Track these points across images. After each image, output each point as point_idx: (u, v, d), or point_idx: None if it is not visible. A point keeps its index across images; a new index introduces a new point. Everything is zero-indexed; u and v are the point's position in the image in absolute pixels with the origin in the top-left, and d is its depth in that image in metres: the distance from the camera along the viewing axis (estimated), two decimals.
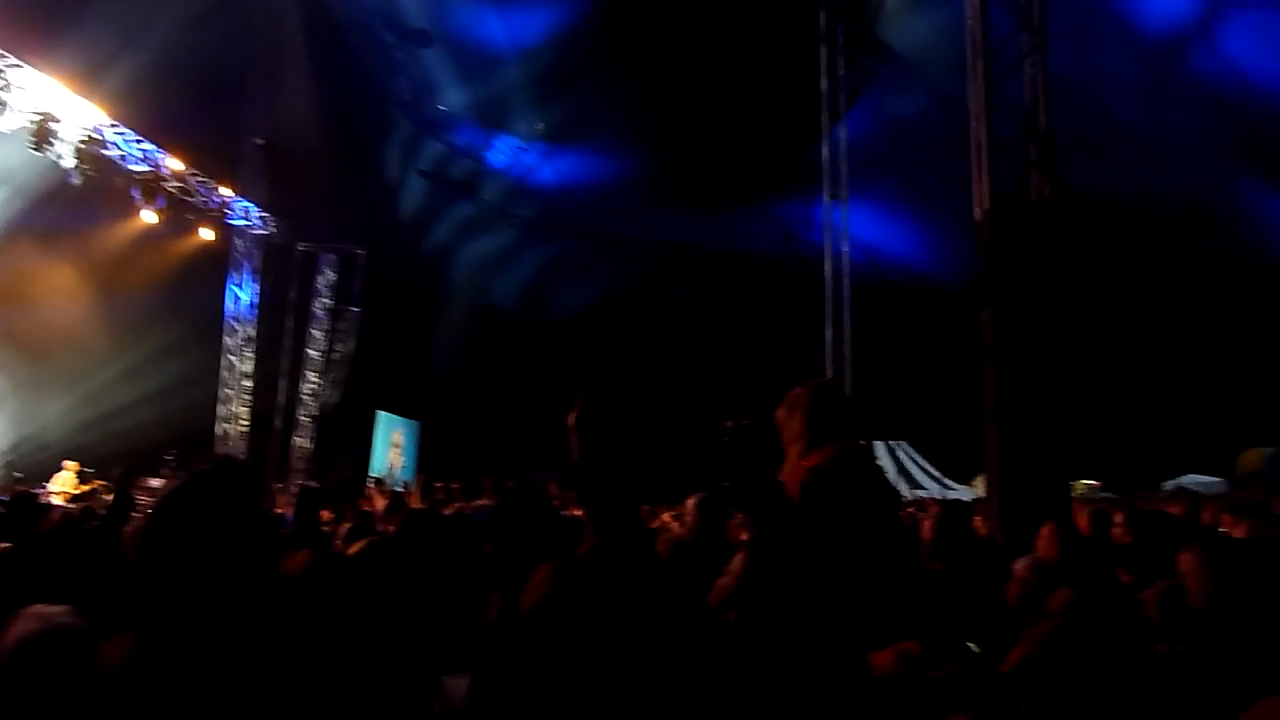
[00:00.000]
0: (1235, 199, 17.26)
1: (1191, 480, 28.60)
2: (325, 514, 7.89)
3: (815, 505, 2.61)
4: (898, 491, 3.26)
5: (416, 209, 24.00)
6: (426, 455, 25.27)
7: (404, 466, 24.49)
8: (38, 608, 2.27)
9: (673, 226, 24.09)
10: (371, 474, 21.27)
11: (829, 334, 18.24)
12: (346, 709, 2.00)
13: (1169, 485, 28.46)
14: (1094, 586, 2.54)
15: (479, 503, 8.34)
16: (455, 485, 12.91)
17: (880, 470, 3.10)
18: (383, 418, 24.01)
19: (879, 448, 32.85)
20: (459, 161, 23.71)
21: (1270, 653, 2.58)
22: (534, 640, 1.68)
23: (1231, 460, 27.83)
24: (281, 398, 21.03)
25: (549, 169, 22.82)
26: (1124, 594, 3.50)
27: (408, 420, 25.29)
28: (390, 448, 24.58)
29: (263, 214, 20.02)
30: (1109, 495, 25.73)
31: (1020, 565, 3.95)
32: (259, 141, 19.57)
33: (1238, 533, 4.84)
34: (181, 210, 17.56)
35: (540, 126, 22.04)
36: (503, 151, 23.08)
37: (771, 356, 21.25)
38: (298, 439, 21.56)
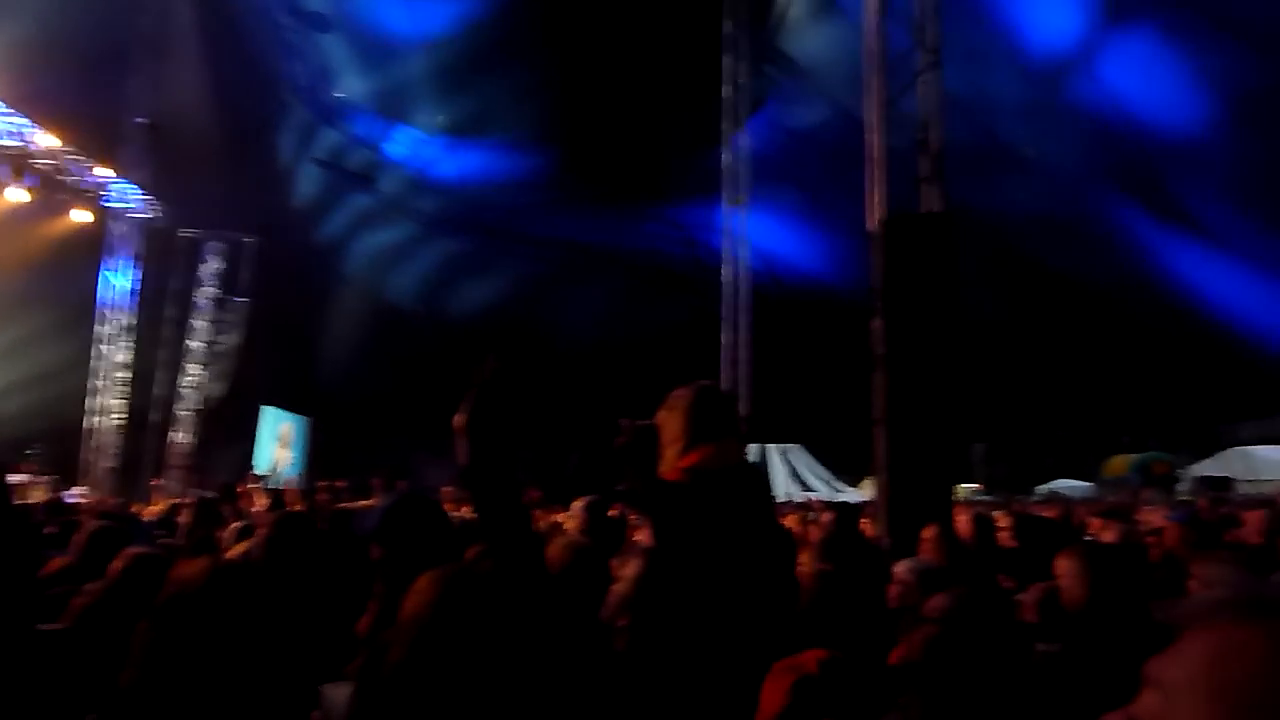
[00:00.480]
0: (1109, 220, 18.20)
1: (1063, 485, 30.12)
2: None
3: (689, 506, 2.60)
4: (772, 494, 3.28)
5: (310, 198, 23.27)
6: (316, 453, 24.55)
7: (292, 464, 23.71)
8: None
9: (576, 226, 24.03)
10: (255, 471, 20.52)
11: (726, 338, 18.48)
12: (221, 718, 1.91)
13: (1043, 489, 29.91)
14: (973, 588, 2.59)
15: (364, 503, 8.10)
16: (340, 484, 12.55)
17: (757, 471, 3.13)
18: (269, 413, 23.20)
19: (772, 451, 33.50)
20: (356, 151, 23.11)
21: (1139, 651, 2.70)
22: (413, 650, 1.61)
23: (1099, 466, 29.40)
24: (160, 390, 20.10)
25: (450, 163, 22.45)
26: (1003, 596, 3.60)
27: (296, 416, 24.50)
28: (276, 445, 23.76)
29: (144, 197, 19.07)
30: (989, 499, 26.85)
31: (901, 568, 4.03)
32: (142, 121, 18.65)
33: (1106, 536, 5.07)
34: (54, 190, 16.59)
35: (442, 120, 21.66)
36: (402, 143, 22.59)
37: (670, 359, 21.36)
38: (176, 434, 20.63)
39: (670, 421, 2.83)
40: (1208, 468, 26.20)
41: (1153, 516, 8.57)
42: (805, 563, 4.97)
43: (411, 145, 22.57)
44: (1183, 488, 23.14)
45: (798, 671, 2.85)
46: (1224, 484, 22.40)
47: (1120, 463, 28.25)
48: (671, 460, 2.76)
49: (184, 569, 2.07)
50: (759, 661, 2.86)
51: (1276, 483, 21.30)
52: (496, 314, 24.63)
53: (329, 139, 22.78)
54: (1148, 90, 15.54)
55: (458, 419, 2.18)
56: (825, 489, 31.80)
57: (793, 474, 33.73)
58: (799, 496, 28.23)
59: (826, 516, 7.17)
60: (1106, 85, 16.12)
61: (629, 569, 2.16)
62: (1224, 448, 27.89)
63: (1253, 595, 0.69)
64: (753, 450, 29.85)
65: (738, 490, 2.76)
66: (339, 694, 2.06)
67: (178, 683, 1.66)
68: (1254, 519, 6.54)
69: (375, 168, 23.40)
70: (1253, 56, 13.57)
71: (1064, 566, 3.25)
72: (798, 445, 34.21)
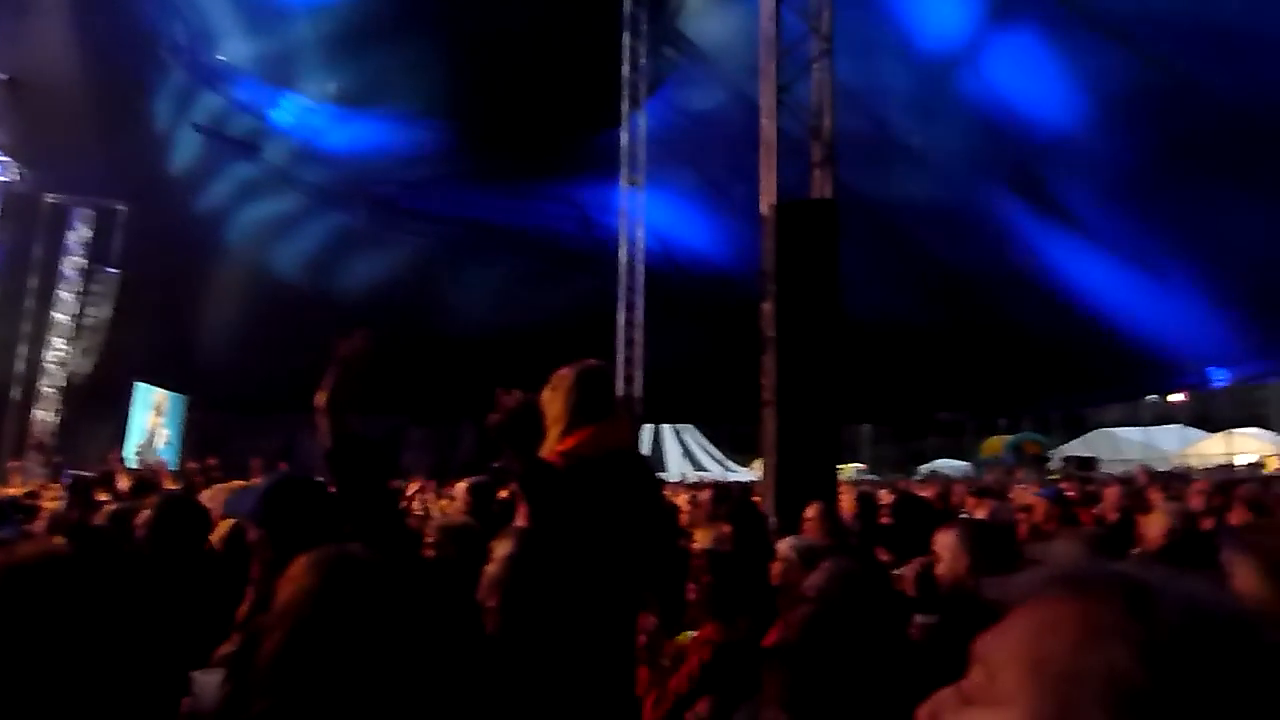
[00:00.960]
0: (991, 211, 18.91)
1: (943, 465, 31.40)
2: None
3: (565, 490, 2.59)
4: (654, 478, 3.31)
5: (188, 165, 22.14)
6: (193, 433, 23.55)
7: (167, 443, 22.69)
8: None
9: (470, 203, 23.60)
10: (126, 450, 19.56)
11: (621, 318, 18.51)
12: (86, 706, 1.79)
13: (924, 469, 31.11)
14: (848, 564, 2.64)
15: (239, 484, 7.78)
16: (212, 462, 12.10)
17: (638, 456, 3.14)
18: (141, 390, 22.10)
19: (666, 431, 33.84)
20: (239, 118, 22.09)
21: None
22: (290, 636, 1.53)
23: (977, 447, 30.75)
24: (21, 366, 18.93)
25: (340, 134, 21.69)
26: (879, 570, 3.70)
27: (171, 394, 23.42)
28: (150, 423, 22.67)
29: (5, 159, 17.87)
30: (874, 478, 27.78)
31: (783, 545, 4.10)
32: (2, 77, 17.45)
33: (979, 514, 5.28)
34: None
35: (332, 88, 20.90)
36: (289, 111, 21.71)
37: (566, 340, 21.26)
38: (39, 412, 19.48)
39: (553, 402, 2.83)
40: (1075, 448, 27.73)
41: (1024, 494, 8.99)
42: (699, 539, 5.03)
43: (299, 114, 21.71)
44: (1053, 467, 24.40)
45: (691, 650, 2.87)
46: (1090, 463, 23.74)
47: (996, 443, 29.62)
48: (552, 442, 2.76)
49: (27, 551, 1.93)
50: (626, 646, 2.88)
51: (1136, 462, 22.69)
52: (387, 291, 24.00)
53: (210, 104, 21.70)
54: (1029, 88, 16.14)
55: (319, 397, 2.08)
56: (718, 468, 32.36)
57: (686, 453, 34.17)
58: (692, 476, 28.64)
59: (704, 495, 7.25)
60: (991, 81, 16.67)
61: (500, 549, 2.11)
62: (1090, 429, 29.57)
63: (1071, 573, 0.70)
64: (647, 430, 30.10)
65: (617, 474, 2.75)
66: (209, 681, 1.98)
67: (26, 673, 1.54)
68: (1111, 495, 6.93)
69: (259, 136, 22.43)
70: (1124, 59, 14.23)
71: (941, 542, 3.35)
72: (691, 425, 34.67)
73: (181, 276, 21.71)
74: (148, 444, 21.32)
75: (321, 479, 2.62)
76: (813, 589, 2.39)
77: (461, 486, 4.28)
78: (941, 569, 3.34)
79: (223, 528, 3.21)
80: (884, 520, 5.43)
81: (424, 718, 1.51)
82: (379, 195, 23.44)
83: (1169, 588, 0.65)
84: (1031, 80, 16.01)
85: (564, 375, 2.90)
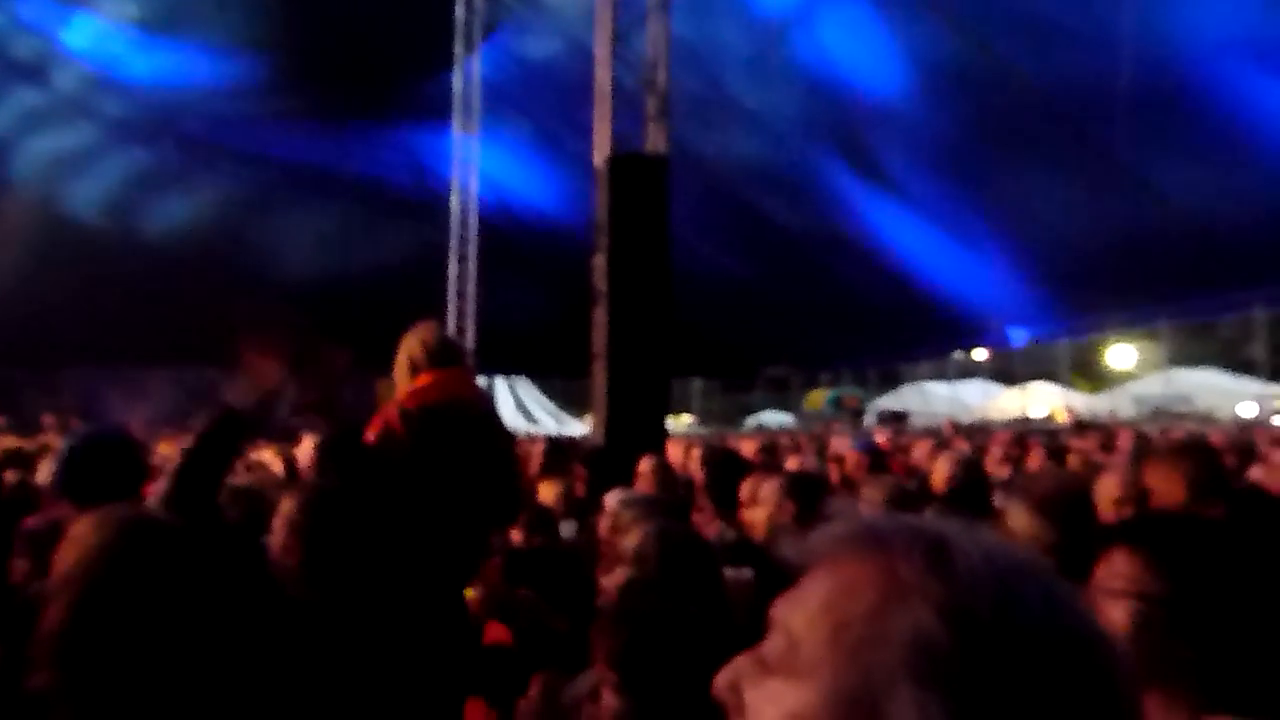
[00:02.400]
0: (818, 173, 19.56)
1: (769, 418, 32.66)
2: None
3: (408, 437, 2.67)
4: (499, 420, 3.32)
5: None
6: None
7: None
8: None
9: (290, 144, 22.27)
10: None
11: (453, 269, 18.07)
12: None
13: (751, 422, 32.25)
14: (670, 525, 2.65)
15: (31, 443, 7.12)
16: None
17: (482, 403, 3.13)
18: None
19: (499, 383, 33.53)
20: (23, 39, 19.89)
21: None
22: (75, 601, 1.36)
23: (800, 400, 32.12)
24: None
25: (142, 62, 19.90)
26: (691, 530, 3.74)
27: None
28: None
29: None
30: (703, 432, 28.53)
31: (610, 499, 4.10)
32: None
33: (791, 465, 5.46)
34: None
35: (134, 10, 19.10)
36: (83, 34, 19.70)
37: (396, 290, 20.59)
38: None
39: (399, 358, 2.97)
40: (889, 401, 29.41)
41: (840, 445, 9.42)
42: (543, 494, 4.96)
43: (94, 38, 19.75)
44: (869, 420, 25.79)
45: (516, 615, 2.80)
46: (902, 416, 25.23)
47: (818, 397, 30.97)
48: (398, 395, 2.90)
49: None
50: (456, 600, 2.82)
51: (944, 415, 24.33)
52: (198, 236, 22.42)
53: None
54: (858, 55, 16.67)
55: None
56: (551, 422, 32.39)
57: (519, 406, 34.00)
58: (524, 429, 28.56)
59: (537, 448, 7.20)
60: (824, 46, 17.12)
61: (285, 505, 1.98)
62: (904, 384, 31.43)
63: (867, 529, 0.67)
64: (479, 383, 29.85)
65: (458, 421, 2.82)
66: None
67: None
68: (923, 448, 7.38)
69: (48, 60, 20.29)
70: (947, 35, 14.91)
71: (764, 491, 3.42)
72: (524, 378, 34.50)
73: None
74: None
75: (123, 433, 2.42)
76: (629, 551, 2.37)
77: (308, 445, 3.99)
78: (760, 516, 3.41)
79: None
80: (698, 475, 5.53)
81: (219, 685, 1.38)
82: (187, 131, 21.74)
83: (966, 541, 0.63)
84: (861, 47, 16.56)
85: (404, 338, 3.00)
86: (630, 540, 2.42)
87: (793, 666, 0.64)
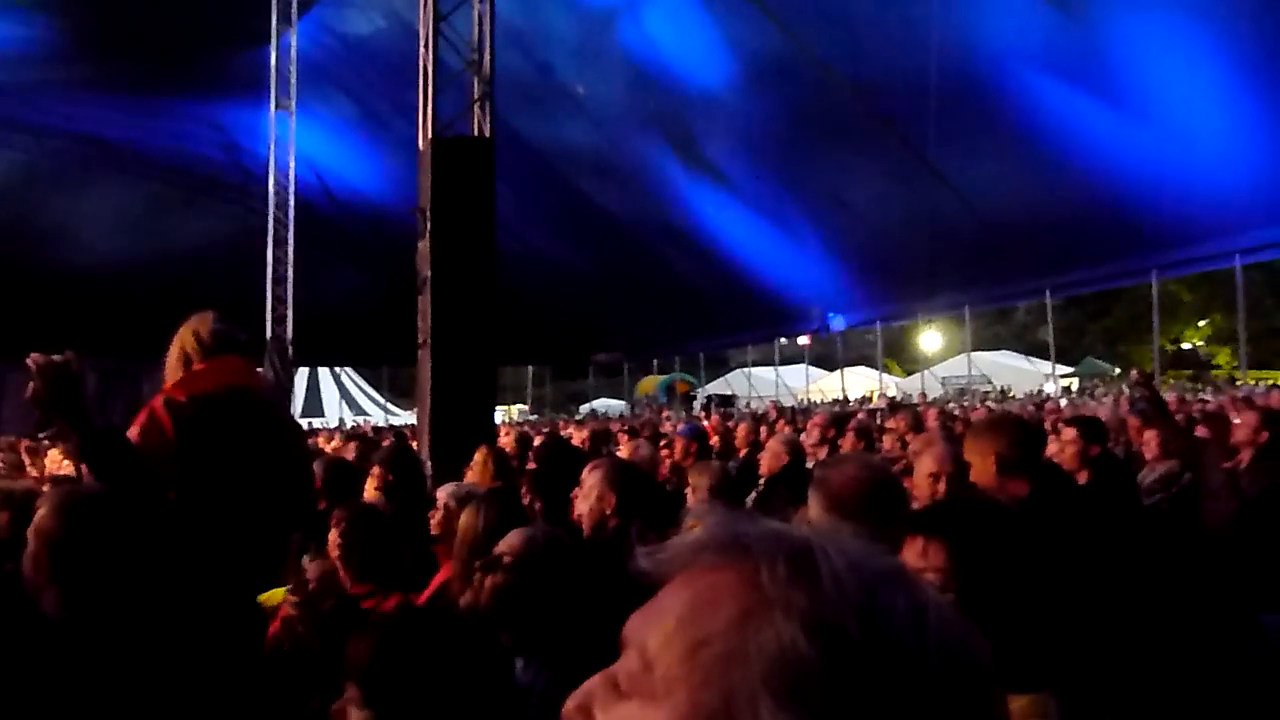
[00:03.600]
0: (646, 162, 19.77)
1: (602, 404, 32.92)
2: None
3: (173, 429, 2.53)
4: (278, 409, 3.17)
5: None
6: None
7: None
8: None
9: (85, 116, 20.49)
10: None
11: (270, 253, 17.19)
12: None
13: (585, 409, 32.41)
14: (546, 529, 2.60)
15: None
16: None
17: (262, 391, 2.98)
18: None
19: (323, 374, 32.23)
20: None
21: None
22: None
23: (633, 387, 32.55)
24: None
25: None
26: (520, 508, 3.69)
27: None
28: None
29: None
30: (535, 419, 28.45)
31: (442, 492, 4.00)
32: None
33: (623, 451, 5.51)
34: None
35: None
36: None
37: (206, 273, 19.38)
38: None
39: (170, 354, 2.81)
40: (719, 387, 30.25)
41: (670, 430, 9.58)
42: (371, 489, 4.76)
43: None
44: (699, 404, 26.43)
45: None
46: (730, 400, 26.01)
47: (650, 383, 31.49)
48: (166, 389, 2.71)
49: None
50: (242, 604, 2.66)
51: (769, 398, 25.25)
52: None
53: None
54: (683, 44, 16.93)
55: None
56: (379, 412, 31.43)
57: (344, 396, 32.82)
58: (350, 419, 27.60)
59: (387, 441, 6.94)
60: (650, 34, 17.27)
61: (44, 516, 1.79)
62: (732, 369, 32.38)
63: (726, 536, 0.61)
64: (302, 373, 28.47)
65: (227, 411, 2.65)
66: None
67: None
68: (741, 430, 7.61)
69: None
70: (766, 28, 15.34)
71: (588, 482, 3.41)
72: (349, 368, 33.32)
73: None
74: None
75: None
76: (509, 554, 2.31)
77: (55, 453, 3.70)
78: (585, 508, 3.39)
79: None
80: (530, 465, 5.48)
81: None
82: None
83: (831, 548, 0.60)
84: (685, 36, 16.82)
85: (179, 328, 2.85)
86: (508, 542, 2.37)
87: (647, 688, 0.59)
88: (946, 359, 28.57)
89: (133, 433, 2.52)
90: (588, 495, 3.39)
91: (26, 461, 6.64)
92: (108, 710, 1.55)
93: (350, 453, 5.83)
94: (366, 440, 7.57)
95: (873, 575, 0.59)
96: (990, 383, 23.87)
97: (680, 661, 0.58)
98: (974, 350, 24.20)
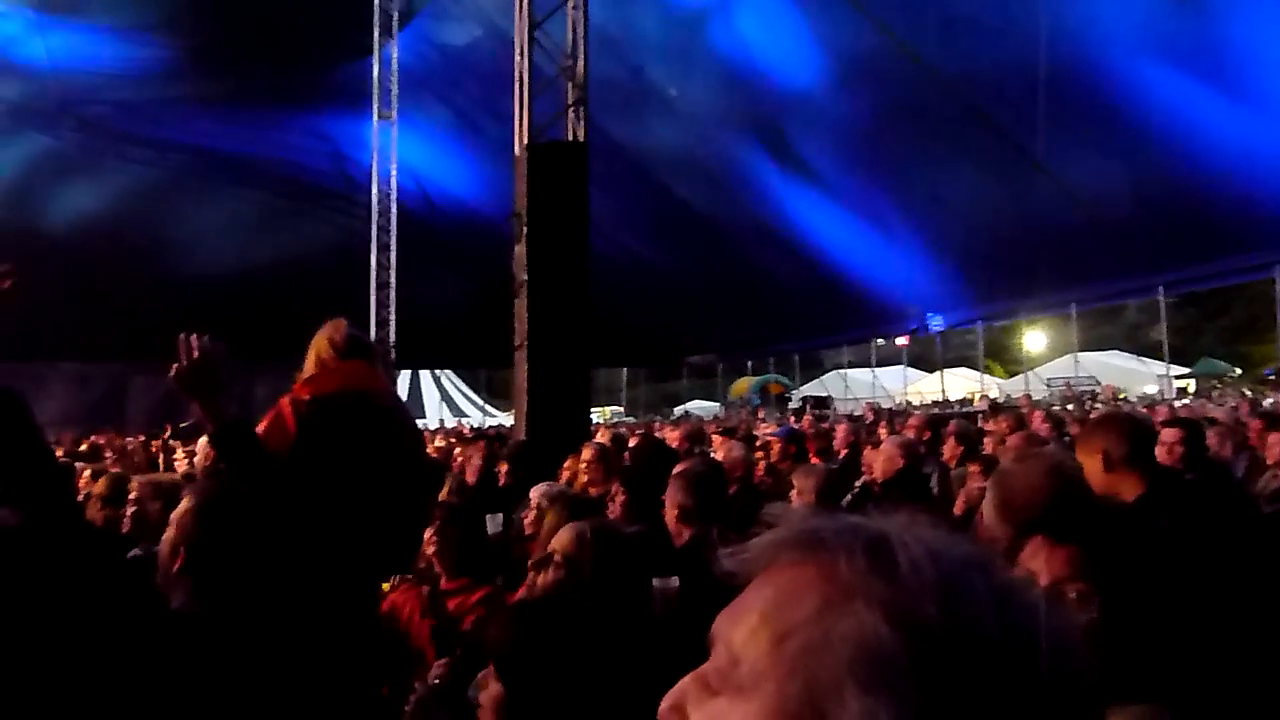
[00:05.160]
0: (738, 163, 19.69)
1: (696, 406, 32.89)
2: None
3: (297, 427, 2.63)
4: (400, 413, 3.27)
5: None
6: None
7: None
8: None
9: (202, 130, 21.53)
10: None
11: (374, 258, 17.75)
12: None
13: (678, 411, 32.43)
14: (602, 524, 2.62)
15: None
16: None
17: (384, 395, 3.08)
18: None
19: (424, 376, 33.09)
20: None
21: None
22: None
23: (726, 389, 32.43)
24: None
25: (40, 44, 19.00)
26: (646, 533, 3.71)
27: None
28: None
29: None
30: (630, 420, 28.62)
31: (535, 492, 4.05)
32: None
33: (719, 453, 5.50)
34: None
35: None
36: None
37: (313, 281, 20.12)
38: None
39: (307, 359, 2.96)
40: (813, 388, 29.88)
41: (765, 432, 9.53)
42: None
43: None
44: (794, 406, 26.16)
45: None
46: (825, 402, 25.66)
47: (743, 385, 31.30)
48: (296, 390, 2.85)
49: None
50: (361, 602, 2.77)
51: (866, 400, 24.82)
52: (104, 226, 21.55)
53: None
54: (774, 43, 16.82)
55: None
56: (477, 413, 32.09)
57: (445, 398, 33.60)
58: (451, 421, 28.24)
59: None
60: (741, 35, 17.22)
61: (184, 503, 1.91)
62: (827, 370, 31.96)
63: (805, 531, 0.62)
64: (404, 376, 29.28)
65: (352, 413, 2.77)
66: None
67: None
68: (840, 432, 7.51)
69: None
70: (860, 24, 15.12)
71: (669, 492, 3.39)
72: (449, 370, 34.10)
73: None
74: None
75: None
76: (559, 551, 2.35)
77: (204, 440, 3.89)
78: (669, 517, 3.36)
79: None
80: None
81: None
82: (90, 116, 20.85)
83: (909, 537, 0.60)
84: (776, 35, 16.70)
85: (315, 335, 3.00)
86: (556, 537, 2.40)
87: (736, 684, 0.60)
88: (1052, 360, 27.57)
89: (261, 427, 2.66)
90: (670, 503, 3.38)
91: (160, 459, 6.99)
92: (228, 696, 1.65)
93: (479, 453, 5.99)
94: (491, 440, 7.71)
95: (952, 562, 0.59)
96: (1098, 384, 22.95)
97: (766, 655, 0.59)
98: (1081, 351, 23.32)
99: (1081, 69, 13.05)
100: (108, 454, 8.45)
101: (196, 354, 2.37)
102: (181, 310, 20.47)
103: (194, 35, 18.77)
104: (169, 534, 1.82)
